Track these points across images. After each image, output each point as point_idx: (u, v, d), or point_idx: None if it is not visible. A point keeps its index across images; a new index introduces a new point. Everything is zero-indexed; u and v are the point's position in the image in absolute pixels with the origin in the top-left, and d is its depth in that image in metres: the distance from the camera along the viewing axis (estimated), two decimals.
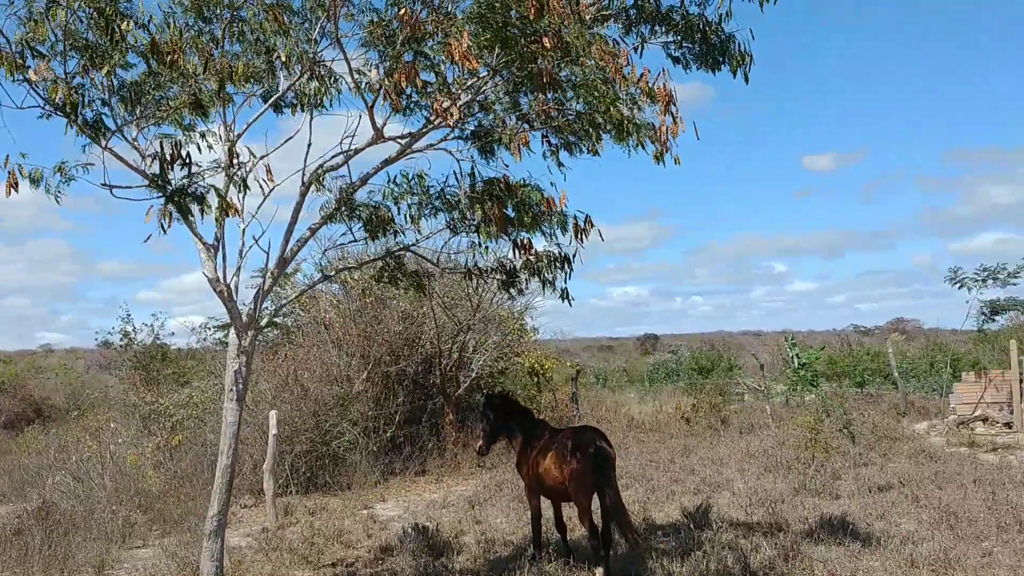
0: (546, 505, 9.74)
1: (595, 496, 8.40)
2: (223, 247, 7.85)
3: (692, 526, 10.33)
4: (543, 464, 8.76)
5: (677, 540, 9.68)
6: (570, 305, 8.62)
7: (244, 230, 8.16)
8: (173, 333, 25.89)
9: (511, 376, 21.10)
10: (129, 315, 23.99)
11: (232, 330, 7.99)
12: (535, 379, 21.04)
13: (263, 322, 8.15)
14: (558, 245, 8.34)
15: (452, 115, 6.84)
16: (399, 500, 15.13)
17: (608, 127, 6.72)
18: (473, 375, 18.41)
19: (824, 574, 7.92)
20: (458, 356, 17.95)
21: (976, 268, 21.75)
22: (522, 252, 7.99)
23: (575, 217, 7.90)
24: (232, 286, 7.92)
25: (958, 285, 21.95)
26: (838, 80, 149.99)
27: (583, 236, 8.00)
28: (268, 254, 7.94)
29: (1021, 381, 18.85)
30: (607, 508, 8.19)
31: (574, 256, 8.27)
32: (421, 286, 8.93)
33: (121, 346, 24.97)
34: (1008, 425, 18.96)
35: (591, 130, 6.87)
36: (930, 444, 16.59)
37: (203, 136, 8.45)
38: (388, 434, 17.45)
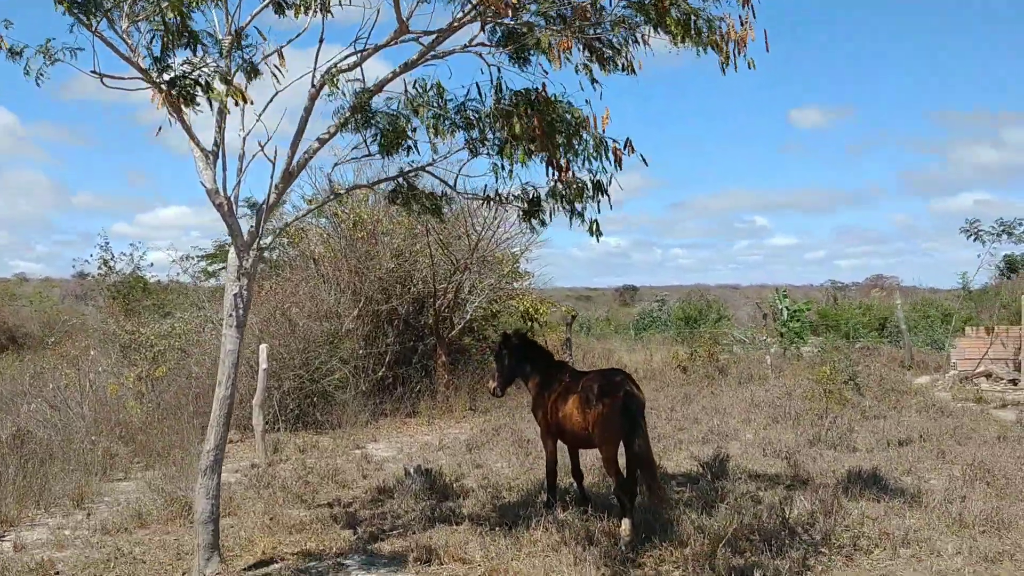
0: (560, 452, 9.17)
1: (620, 444, 7.82)
2: (223, 154, 7.08)
3: (710, 476, 9.82)
4: (564, 408, 8.16)
5: (696, 491, 9.16)
6: (597, 240, 7.95)
7: (244, 139, 7.35)
8: (152, 264, 25.00)
9: (504, 320, 20.50)
10: (108, 243, 23.13)
11: (232, 250, 7.27)
12: (529, 324, 20.43)
13: (266, 240, 7.40)
14: (589, 171, 7.64)
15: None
16: (391, 441, 14.58)
17: (671, 23, 5.95)
18: (467, 317, 17.76)
19: (876, 532, 7.38)
20: (453, 297, 17.28)
21: (994, 222, 21.26)
22: (557, 173, 7.26)
23: (615, 140, 7.19)
24: (232, 199, 7.17)
25: (973, 238, 21.53)
26: (827, 35, 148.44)
27: (620, 162, 7.31)
28: (274, 164, 7.18)
29: None
30: (635, 457, 7.61)
31: (609, 183, 7.58)
32: (438, 209, 8.20)
33: (99, 275, 24.11)
34: (1014, 382, 18.67)
35: (652, 17, 6.05)
36: (938, 398, 16.23)
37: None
38: (379, 374, 16.83)
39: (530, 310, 20.01)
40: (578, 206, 7.76)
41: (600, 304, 62.39)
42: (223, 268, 25.17)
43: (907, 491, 8.85)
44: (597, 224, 7.88)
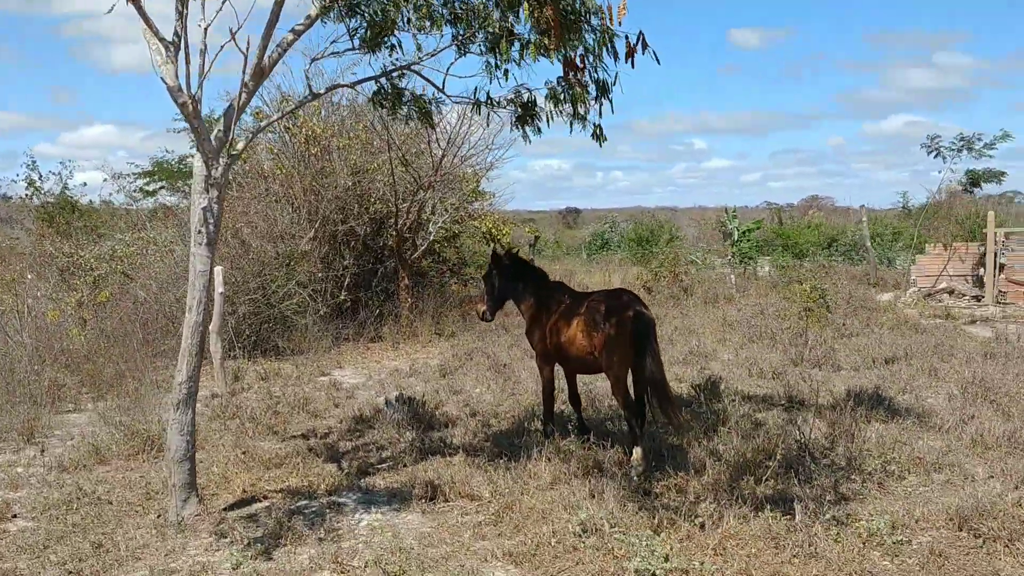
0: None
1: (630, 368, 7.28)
2: (185, 45, 6.16)
3: (703, 399, 9.41)
4: (567, 331, 7.57)
5: (692, 414, 8.73)
6: (600, 145, 7.29)
7: (206, 29, 6.40)
8: (85, 184, 23.54)
9: (465, 242, 19.80)
10: (35, 162, 21.59)
11: (198, 157, 6.41)
12: (491, 245, 19.73)
13: (238, 146, 6.57)
14: (592, 68, 6.93)
15: None
16: (358, 367, 13.93)
17: None
18: (430, 238, 16.98)
19: (902, 457, 6.98)
20: (415, 217, 16.45)
21: (954, 137, 21.05)
22: (572, 73, 6.53)
23: (627, 35, 6.47)
24: (198, 99, 6.28)
25: (934, 154, 21.29)
26: None
27: (633, 58, 6.61)
28: (246, 57, 6.29)
29: (995, 254, 18.50)
30: (646, 381, 7.09)
31: (614, 83, 6.89)
32: (427, 114, 7.39)
33: (26, 196, 22.61)
34: (977, 298, 18.74)
35: None
36: (907, 315, 16.12)
37: None
38: (340, 298, 16.06)
39: (492, 231, 19.29)
40: (580, 109, 7.08)
41: (544, 226, 61.77)
42: (162, 187, 23.95)
43: (912, 411, 8.55)
44: (601, 129, 7.23)
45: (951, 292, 19.26)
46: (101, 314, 14.29)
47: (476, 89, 7.45)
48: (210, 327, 12.59)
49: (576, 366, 7.92)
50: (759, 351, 12.81)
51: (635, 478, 6.69)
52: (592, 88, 6.95)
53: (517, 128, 7.72)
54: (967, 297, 18.93)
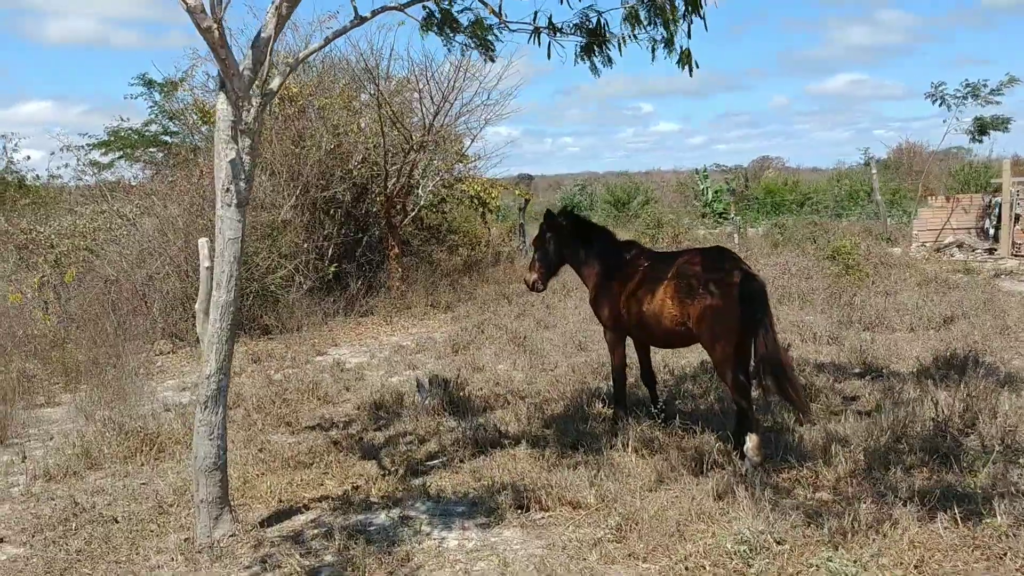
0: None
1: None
2: None
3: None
4: (652, 300, 6.48)
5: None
6: (691, 75, 6.22)
7: None
8: (29, 157, 21.77)
9: (452, 207, 18.59)
10: None
11: (222, 99, 5.19)
12: (480, 210, 18.59)
13: (272, 83, 5.36)
14: None
15: None
16: (355, 345, 12.76)
17: None
18: (421, 203, 15.75)
19: None
20: (406, 180, 15.19)
21: (960, 83, 20.37)
22: None
23: None
24: (224, 24, 5.05)
25: (938, 102, 20.59)
26: None
27: None
28: None
29: (1011, 205, 17.91)
30: (762, 359, 6.01)
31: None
32: (486, 42, 6.21)
33: None
34: (990, 251, 18.17)
35: None
36: (930, 271, 15.37)
37: None
38: (331, 269, 14.80)
39: (481, 194, 18.12)
40: (669, 30, 5.99)
41: (503, 194, 60.73)
42: (121, 156, 22.21)
43: (1017, 376, 7.65)
44: (690, 54, 6.14)
45: (960, 246, 18.67)
46: (67, 295, 12.87)
47: (536, 14, 6.35)
48: (196, 306, 11.30)
49: (661, 340, 6.84)
50: (797, 313, 11.92)
51: (750, 470, 5.70)
52: (680, 1, 5.88)
53: (582, 59, 6.62)
54: (978, 250, 18.36)
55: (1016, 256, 17.58)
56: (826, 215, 27.41)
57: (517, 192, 20.07)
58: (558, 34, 6.48)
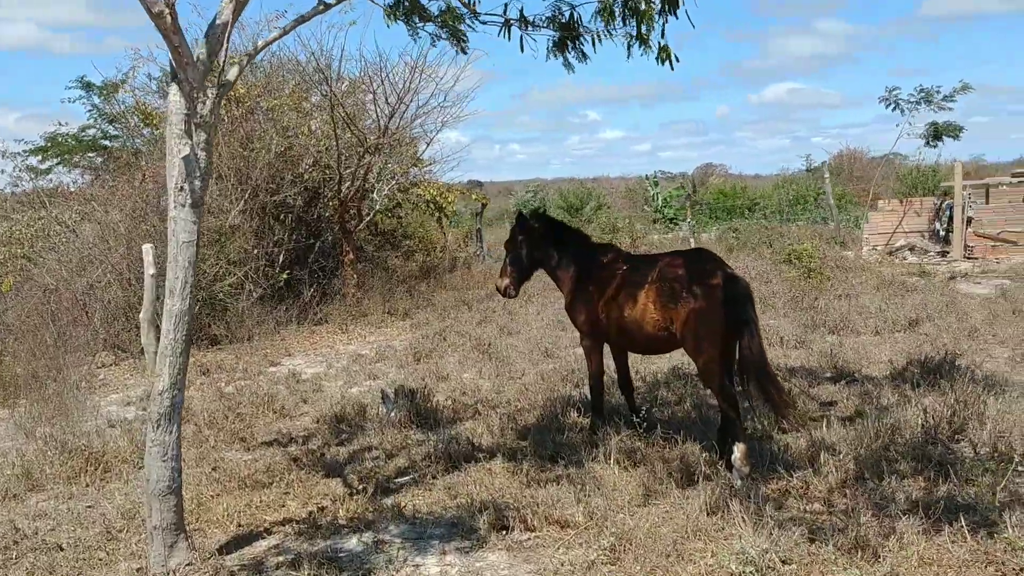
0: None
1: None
2: None
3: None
4: (633, 305, 6.18)
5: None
6: (672, 68, 5.95)
7: None
8: None
9: (407, 212, 18.17)
10: None
11: (174, 90, 4.77)
12: (436, 215, 18.20)
13: (230, 74, 4.95)
14: None
15: None
16: (310, 355, 12.29)
17: None
18: (376, 207, 15.30)
19: None
20: (360, 184, 14.73)
21: (914, 89, 20.56)
22: None
23: None
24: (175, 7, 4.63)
25: (892, 107, 20.74)
26: None
27: None
28: None
29: (963, 208, 18.08)
30: (744, 363, 5.80)
31: None
32: (458, 34, 5.87)
33: None
34: (942, 254, 18.32)
35: None
36: (886, 274, 15.38)
37: None
38: (283, 276, 14.27)
39: (437, 199, 17.73)
40: (643, 27, 5.72)
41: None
42: (59, 162, 21.30)
43: (995, 379, 7.52)
44: (669, 52, 5.87)
45: (912, 248, 18.82)
46: (3, 305, 12.18)
47: (506, 6, 6.04)
48: (141, 315, 10.78)
49: (642, 346, 6.53)
50: (760, 317, 11.74)
51: (738, 482, 5.43)
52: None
53: (555, 55, 6.33)
54: (930, 253, 18.52)
55: (969, 258, 17.76)
56: (774, 219, 27.60)
57: (474, 196, 19.72)
58: (530, 27, 6.20)
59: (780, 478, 5.53)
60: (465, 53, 6.06)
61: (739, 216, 31.61)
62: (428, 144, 15.80)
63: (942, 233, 19.20)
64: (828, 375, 8.49)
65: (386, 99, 14.05)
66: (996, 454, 5.57)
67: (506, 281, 7.25)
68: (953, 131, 20.40)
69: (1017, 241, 17.40)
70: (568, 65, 6.33)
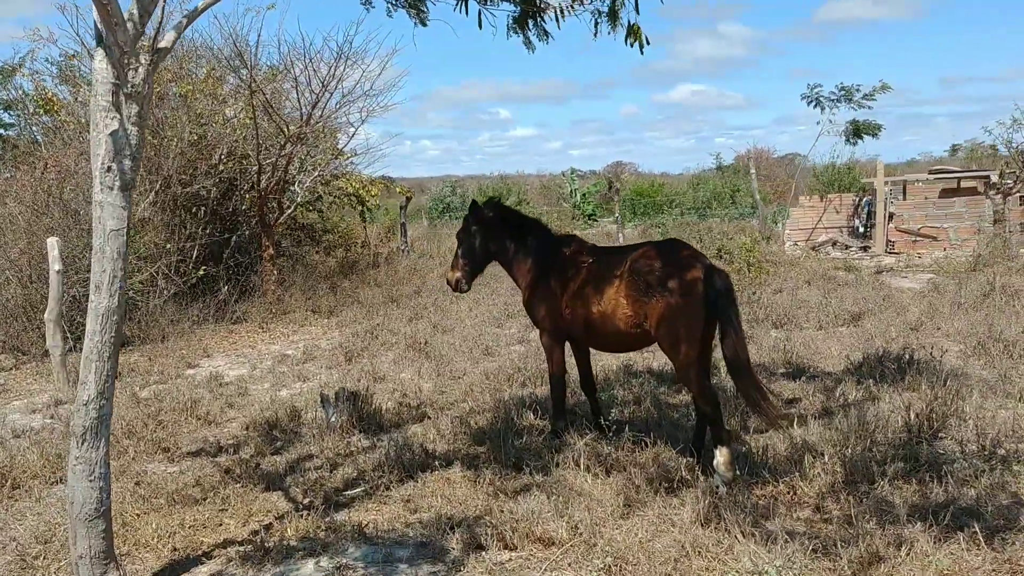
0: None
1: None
2: None
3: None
4: (600, 299, 5.79)
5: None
6: (642, 52, 5.64)
7: None
8: None
9: (329, 205, 17.46)
10: None
11: (99, 56, 4.15)
12: (359, 208, 17.54)
13: (165, 38, 4.36)
14: None
15: None
16: (230, 356, 11.55)
17: None
18: (298, 199, 14.58)
19: None
20: (281, 175, 13.98)
21: (835, 87, 20.82)
22: None
23: None
24: None
25: (813, 104, 20.95)
26: None
27: None
28: None
29: (885, 203, 18.38)
30: (728, 363, 5.41)
31: None
32: (418, 5, 5.38)
33: None
34: (864, 248, 18.62)
35: None
36: (814, 268, 15.47)
37: None
38: (200, 271, 13.44)
39: (360, 192, 17.07)
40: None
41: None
42: None
43: (956, 373, 7.42)
44: (639, 31, 5.55)
45: (834, 243, 19.10)
46: None
47: None
48: (46, 315, 9.91)
49: (611, 343, 6.13)
50: None
51: (721, 488, 5.10)
52: None
53: (515, 32, 5.92)
54: (852, 248, 18.81)
55: (891, 253, 18.08)
56: (692, 216, 27.84)
57: (398, 190, 19.08)
58: (489, 1, 5.76)
59: (765, 483, 5.22)
60: (425, 25, 5.57)
61: (656, 213, 31.87)
62: (352, 134, 15.12)
63: (861, 229, 19.54)
64: (782, 371, 8.31)
65: (310, 86, 13.36)
66: (984, 452, 5.38)
67: (458, 274, 6.78)
68: (873, 129, 20.80)
69: (937, 236, 17.80)
70: (529, 44, 5.94)
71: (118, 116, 4.17)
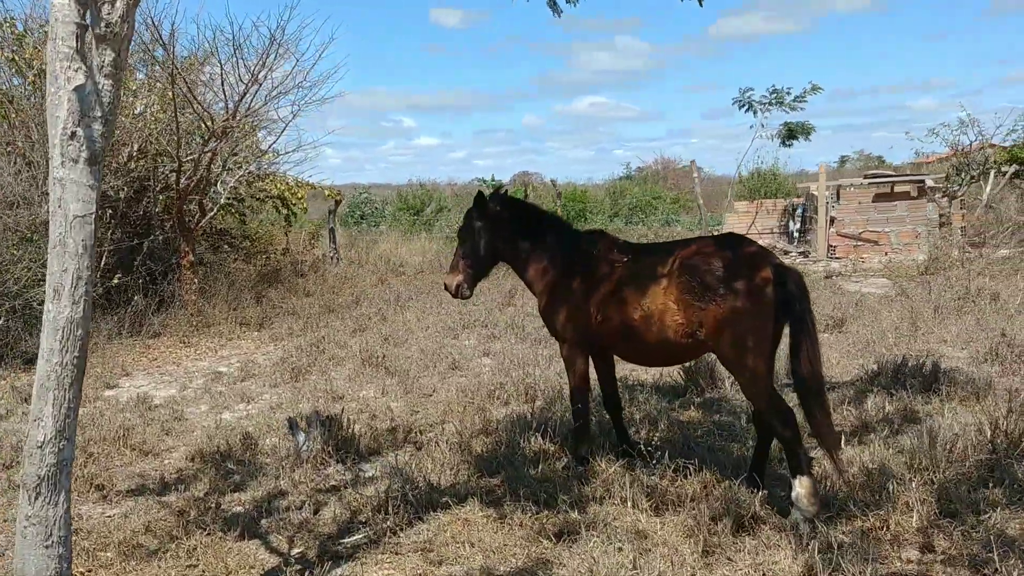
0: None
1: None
2: None
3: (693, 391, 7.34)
4: (644, 303, 4.96)
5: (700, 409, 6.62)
6: (558, 16, 4.95)
7: None
8: None
9: (252, 206, 16.18)
10: None
11: None
12: (284, 212, 16.32)
13: None
14: None
15: None
16: (153, 374, 10.30)
17: None
18: (221, 200, 13.31)
19: None
20: (204, 173, 12.71)
21: (765, 90, 20.71)
22: None
23: None
24: None
25: (745, 108, 20.80)
26: None
27: None
28: None
29: (826, 208, 18.28)
30: (800, 378, 4.63)
31: None
32: None
33: None
34: (804, 254, 18.49)
35: None
36: None
37: None
38: (115, 280, 12.07)
39: (286, 194, 15.87)
40: None
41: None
42: None
43: (979, 382, 6.93)
44: None
45: (772, 248, 18.94)
46: None
47: None
48: None
49: (654, 355, 5.29)
50: None
51: (804, 526, 4.36)
52: None
53: None
54: (791, 253, 18.67)
55: (833, 258, 17.98)
56: (620, 222, 27.58)
57: (327, 193, 17.88)
58: None
59: (852, 516, 4.50)
60: None
61: (583, 221, 31.53)
62: (283, 130, 13.87)
63: (796, 233, 19.48)
64: (785, 381, 7.71)
65: (238, 75, 12.16)
66: None
67: (458, 278, 5.87)
68: (806, 131, 20.82)
69: (878, 241, 17.78)
70: (555, 7, 5.13)
71: (83, 67, 3.17)
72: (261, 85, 12.58)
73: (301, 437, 6.18)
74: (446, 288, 6.00)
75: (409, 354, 9.84)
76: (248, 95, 12.38)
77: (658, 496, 4.76)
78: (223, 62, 11.99)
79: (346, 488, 5.59)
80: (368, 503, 5.12)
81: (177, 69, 11.64)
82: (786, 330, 4.76)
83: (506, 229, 5.79)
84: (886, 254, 17.58)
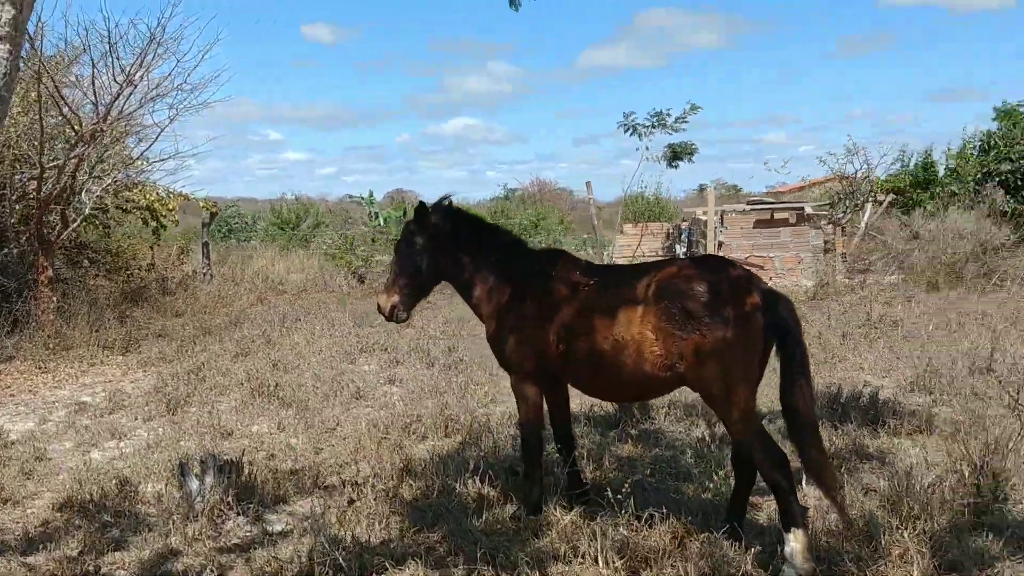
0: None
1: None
2: None
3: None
4: (615, 330, 4.41)
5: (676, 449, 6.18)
6: (516, 9, 4.54)
7: None
8: None
9: (117, 217, 14.83)
10: None
11: None
12: (152, 225, 15.03)
13: None
14: None
15: None
16: (6, 404, 9.11)
17: None
18: (86, 210, 12.02)
19: None
20: (68, 181, 11.43)
21: (647, 113, 20.72)
22: None
23: None
24: None
25: (630, 131, 20.76)
26: None
27: None
28: None
29: (716, 231, 18.40)
30: (792, 413, 4.24)
31: None
32: None
33: None
34: None
35: None
36: None
37: None
38: None
39: (155, 205, 14.62)
40: None
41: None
42: None
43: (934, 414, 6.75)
44: None
45: None
46: None
47: None
48: None
49: (624, 389, 4.73)
50: None
51: None
52: None
53: None
54: None
55: None
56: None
57: (201, 204, 16.64)
58: None
59: (845, 571, 4.07)
60: None
61: None
62: (158, 135, 12.67)
63: (683, 255, 19.63)
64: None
65: (112, 74, 10.98)
66: None
67: (394, 299, 5.20)
68: (688, 151, 21.02)
69: (763, 266, 18.02)
70: (514, 2, 4.59)
71: None
72: (136, 87, 11.46)
73: (195, 484, 5.32)
74: (379, 310, 5.30)
75: (303, 382, 9.00)
76: (121, 97, 11.24)
77: (630, 552, 4.21)
78: (96, 61, 10.82)
79: (254, 547, 4.79)
80: (287, 568, 4.35)
81: (43, 66, 10.40)
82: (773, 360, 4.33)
83: (450, 245, 5.16)
84: (771, 279, 17.85)
